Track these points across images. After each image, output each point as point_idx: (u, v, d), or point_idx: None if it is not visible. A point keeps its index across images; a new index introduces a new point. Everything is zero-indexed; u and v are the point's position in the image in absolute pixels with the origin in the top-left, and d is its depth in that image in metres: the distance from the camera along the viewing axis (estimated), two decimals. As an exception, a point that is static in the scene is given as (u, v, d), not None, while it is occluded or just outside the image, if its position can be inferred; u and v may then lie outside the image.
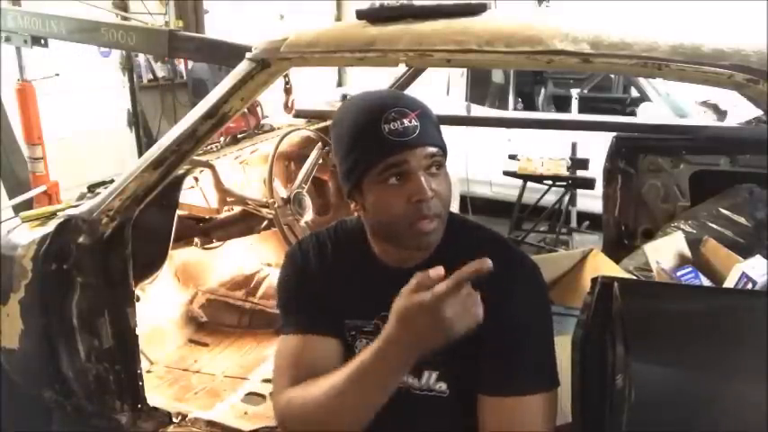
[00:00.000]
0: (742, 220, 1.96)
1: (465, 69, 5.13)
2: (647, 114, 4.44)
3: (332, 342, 1.14)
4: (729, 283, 1.52)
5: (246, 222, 2.62)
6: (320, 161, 2.59)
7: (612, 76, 5.40)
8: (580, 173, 4.06)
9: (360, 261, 1.17)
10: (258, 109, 2.66)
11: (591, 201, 3.90)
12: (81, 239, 1.56)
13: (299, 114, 2.71)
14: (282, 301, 1.22)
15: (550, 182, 4.15)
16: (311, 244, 1.22)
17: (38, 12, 2.68)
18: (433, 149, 1.04)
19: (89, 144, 4.81)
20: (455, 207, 4.17)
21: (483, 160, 4.79)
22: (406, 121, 1.02)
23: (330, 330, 1.15)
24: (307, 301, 1.18)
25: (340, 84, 7.77)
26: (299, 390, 1.06)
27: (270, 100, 2.22)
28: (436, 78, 5.03)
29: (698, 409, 1.00)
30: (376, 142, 1.03)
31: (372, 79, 3.22)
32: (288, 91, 1.86)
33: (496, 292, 1.05)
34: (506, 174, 4.28)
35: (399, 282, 1.10)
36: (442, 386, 1.10)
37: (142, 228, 1.61)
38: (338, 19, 7.91)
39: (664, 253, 1.76)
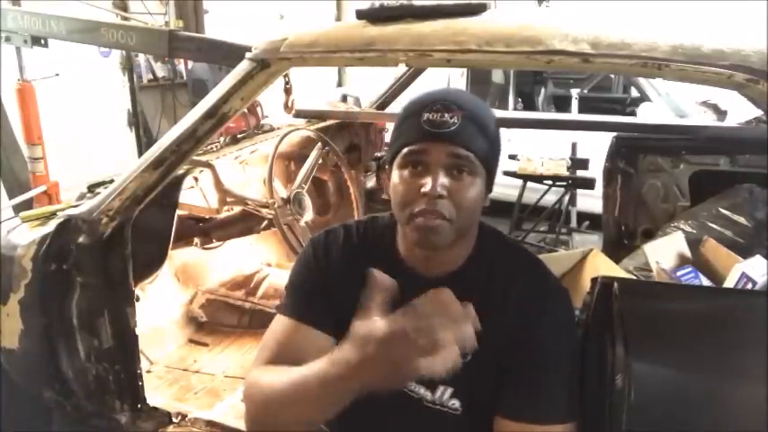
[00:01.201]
0: (742, 220, 1.96)
1: (465, 69, 5.13)
2: (647, 114, 4.44)
3: (323, 336, 1.10)
4: (729, 283, 1.51)
5: (246, 222, 2.62)
6: (320, 161, 2.59)
7: (612, 76, 5.40)
8: (580, 173, 4.06)
9: (383, 263, 1.11)
10: (258, 109, 2.66)
11: (591, 201, 3.90)
12: (81, 239, 1.56)
13: (299, 114, 2.71)
14: (291, 281, 1.19)
15: (550, 182, 4.15)
16: (338, 236, 1.18)
17: (38, 12, 2.68)
18: (461, 151, 1.00)
19: (89, 144, 4.81)
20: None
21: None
22: (447, 116, 1.00)
23: (326, 325, 1.11)
24: (312, 292, 1.15)
25: (340, 84, 7.77)
26: (272, 371, 1.04)
27: (270, 100, 2.22)
28: (436, 78, 5.03)
29: (698, 409, 1.00)
30: (412, 126, 1.02)
31: (372, 79, 3.23)
32: (288, 91, 1.85)
33: (526, 316, 1.05)
34: (506, 174, 4.28)
35: (421, 291, 1.09)
36: (455, 403, 1.08)
37: (142, 228, 1.61)
38: (338, 19, 7.91)
39: (664, 253, 1.76)
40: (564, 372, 1.04)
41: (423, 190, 0.99)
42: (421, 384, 1.10)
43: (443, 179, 1.00)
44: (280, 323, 1.14)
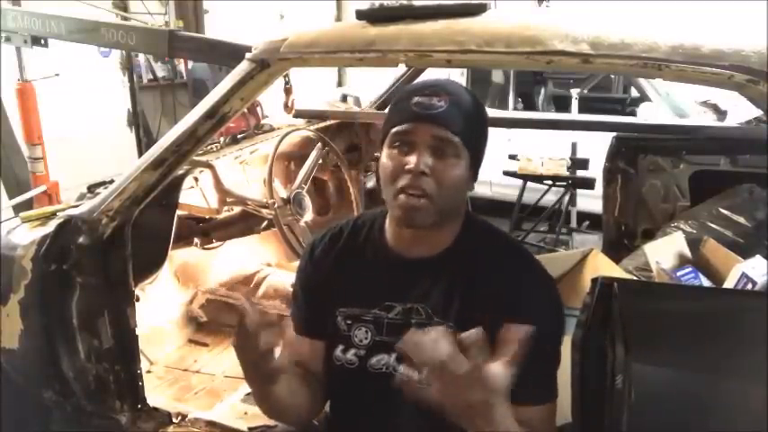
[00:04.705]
0: (742, 220, 1.96)
1: (465, 69, 5.12)
2: (647, 114, 4.44)
3: (315, 344, 1.22)
4: (729, 283, 1.51)
5: (246, 222, 2.61)
6: (320, 161, 2.59)
7: (612, 76, 5.39)
8: (580, 173, 4.06)
9: (371, 249, 1.19)
10: (258, 109, 2.66)
11: (591, 201, 3.90)
12: (81, 240, 1.56)
13: (299, 114, 2.71)
14: (293, 286, 1.29)
15: (550, 182, 4.15)
16: (329, 233, 1.25)
17: (38, 12, 2.68)
18: (443, 133, 1.06)
19: (89, 144, 4.81)
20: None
21: (483, 160, 4.77)
22: (435, 100, 1.06)
23: (317, 332, 1.22)
24: (304, 296, 1.24)
25: (340, 84, 7.77)
26: None
27: (270, 100, 2.22)
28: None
29: (698, 410, 1.00)
30: (402, 109, 1.09)
31: (372, 79, 3.22)
32: (288, 91, 1.85)
33: (510, 305, 1.07)
34: (506, 174, 4.28)
35: (407, 272, 1.14)
36: None
37: (142, 228, 1.61)
38: (338, 19, 7.90)
39: (664, 253, 1.76)
40: (550, 355, 1.09)
41: (407, 167, 1.05)
42: (411, 366, 1.11)
43: (427, 158, 1.05)
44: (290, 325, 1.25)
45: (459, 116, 1.07)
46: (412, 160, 1.05)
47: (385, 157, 1.10)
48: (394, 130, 1.08)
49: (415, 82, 1.16)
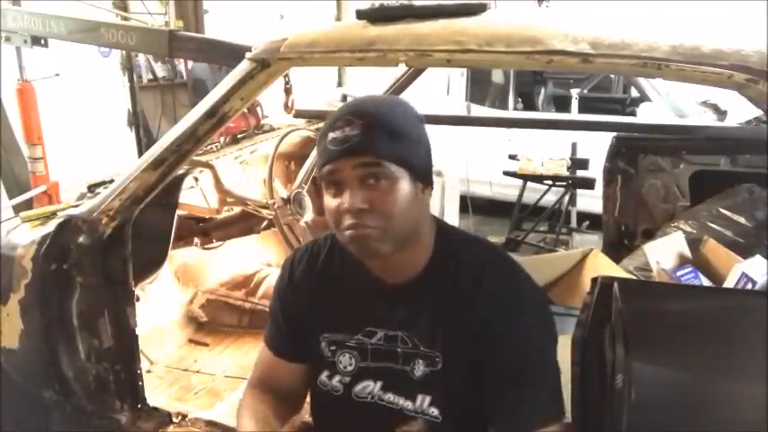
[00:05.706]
0: (742, 220, 1.96)
1: (465, 69, 5.13)
2: (647, 114, 4.44)
3: (294, 367, 1.21)
4: (729, 283, 1.52)
5: (246, 222, 2.62)
6: (320, 161, 2.59)
7: (612, 76, 5.40)
8: (580, 173, 4.07)
9: (350, 272, 1.15)
10: (258, 109, 2.66)
11: (591, 201, 3.90)
12: (81, 239, 1.56)
13: (299, 114, 2.71)
14: (270, 307, 1.27)
15: (550, 182, 4.15)
16: (305, 253, 1.22)
17: (38, 12, 2.68)
18: (367, 159, 1.00)
19: (89, 144, 4.80)
20: (454, 208, 4.17)
21: (483, 160, 4.79)
22: (348, 130, 1.00)
23: (296, 356, 1.20)
24: (285, 320, 1.21)
25: (340, 84, 7.76)
26: (246, 403, 1.20)
27: (270, 100, 2.22)
28: (436, 78, 5.03)
29: (698, 409, 1.00)
30: (322, 149, 1.04)
31: (372, 79, 3.22)
32: (288, 91, 1.85)
33: (498, 316, 1.04)
34: (506, 174, 4.29)
35: (385, 296, 1.11)
36: (435, 411, 1.08)
37: (142, 228, 1.61)
38: (338, 19, 7.90)
39: (664, 253, 1.76)
40: (548, 370, 1.04)
41: (342, 207, 1.02)
42: (399, 396, 1.10)
43: (360, 193, 1.01)
44: (262, 351, 1.26)
45: (380, 136, 1.01)
46: (345, 201, 1.01)
47: (325, 201, 1.06)
48: (321, 173, 1.05)
49: (333, 113, 1.08)
